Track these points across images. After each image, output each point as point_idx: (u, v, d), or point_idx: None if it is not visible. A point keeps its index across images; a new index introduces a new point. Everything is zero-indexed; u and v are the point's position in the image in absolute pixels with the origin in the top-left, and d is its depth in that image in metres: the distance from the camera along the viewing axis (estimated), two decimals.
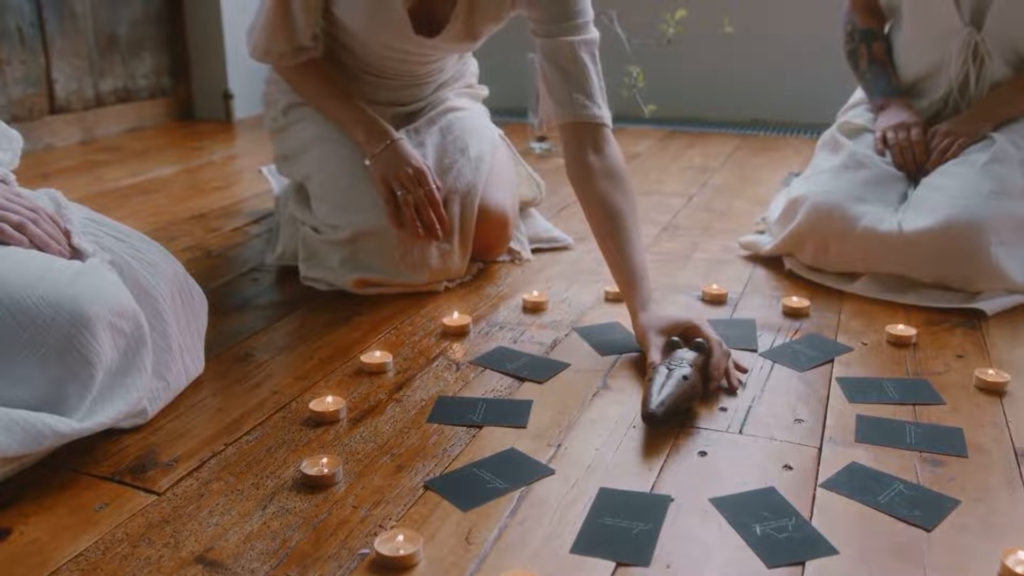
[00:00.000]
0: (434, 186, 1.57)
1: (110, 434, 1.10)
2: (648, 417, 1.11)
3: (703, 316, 1.31)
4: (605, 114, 1.48)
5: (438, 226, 1.56)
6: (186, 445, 1.10)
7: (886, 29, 1.91)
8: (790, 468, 1.05)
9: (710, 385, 1.20)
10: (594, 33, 1.50)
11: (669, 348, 1.23)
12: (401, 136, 1.61)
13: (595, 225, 1.43)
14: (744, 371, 1.28)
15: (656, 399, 1.12)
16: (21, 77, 2.81)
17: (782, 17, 3.34)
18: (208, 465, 1.05)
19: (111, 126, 3.15)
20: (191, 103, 3.50)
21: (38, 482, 1.01)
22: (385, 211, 1.55)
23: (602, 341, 1.41)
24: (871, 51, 1.87)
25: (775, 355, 1.36)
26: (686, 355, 1.20)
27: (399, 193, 1.54)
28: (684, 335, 1.26)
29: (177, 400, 1.20)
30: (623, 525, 0.93)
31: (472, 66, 1.95)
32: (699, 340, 1.22)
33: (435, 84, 1.81)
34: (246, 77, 3.45)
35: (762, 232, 1.91)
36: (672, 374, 1.16)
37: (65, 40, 2.94)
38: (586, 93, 1.46)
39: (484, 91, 1.95)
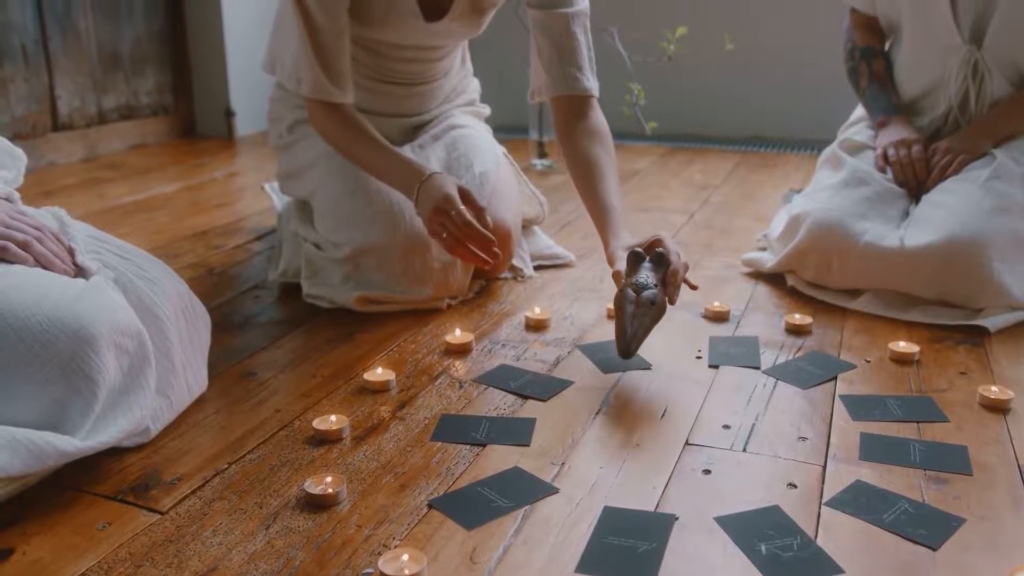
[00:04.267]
0: (461, 207, 1.45)
1: (113, 453, 1.09)
2: (624, 354, 1.24)
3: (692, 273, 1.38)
4: (594, 85, 1.59)
5: (488, 245, 1.47)
6: (189, 464, 1.09)
7: (886, 47, 1.92)
8: (794, 486, 1.05)
9: (668, 290, 1.29)
10: (585, 4, 1.59)
11: (633, 259, 1.32)
12: (430, 172, 1.51)
13: (575, 173, 1.54)
14: (694, 288, 1.37)
15: (629, 333, 1.24)
16: (24, 95, 2.82)
17: (782, 34, 3.35)
18: (211, 484, 1.05)
19: (114, 143, 3.16)
20: (193, 120, 3.51)
21: (41, 501, 1.00)
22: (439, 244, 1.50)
23: (605, 358, 1.41)
24: (871, 69, 1.88)
25: (778, 373, 1.36)
26: (649, 274, 1.29)
27: (444, 235, 1.47)
28: (647, 249, 1.34)
29: (180, 418, 1.20)
30: (628, 544, 0.93)
31: (474, 83, 1.96)
32: (659, 250, 1.31)
33: (439, 93, 1.81)
34: (248, 95, 3.46)
35: (764, 249, 1.91)
36: (640, 300, 1.25)
37: (68, 58, 2.95)
38: (578, 66, 1.57)
39: (486, 110, 1.96)
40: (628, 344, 1.23)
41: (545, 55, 1.57)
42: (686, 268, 1.33)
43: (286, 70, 1.61)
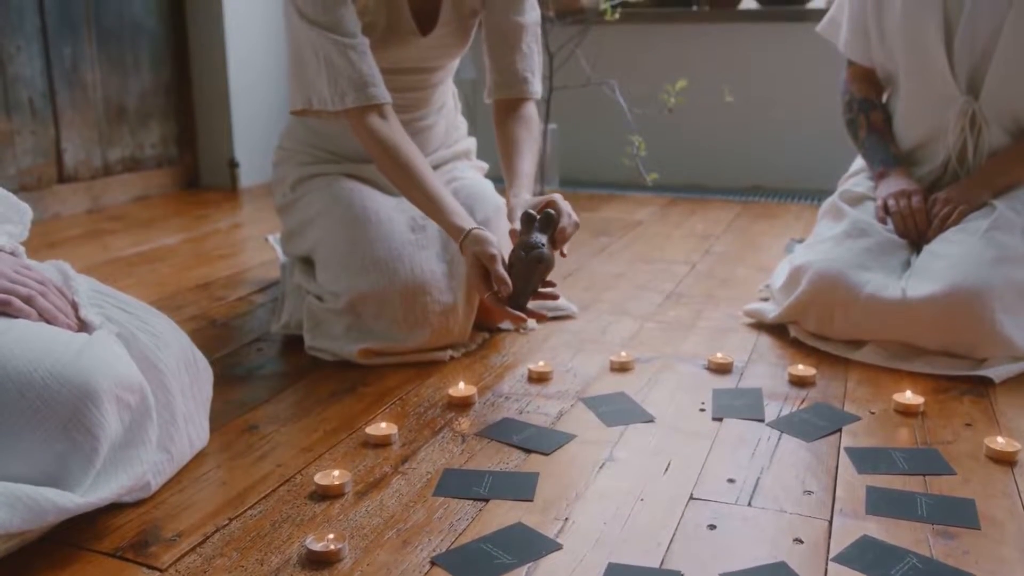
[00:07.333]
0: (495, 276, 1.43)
1: (112, 508, 1.08)
2: (515, 307, 1.40)
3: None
4: (538, 89, 1.75)
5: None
6: (190, 519, 1.08)
7: (884, 98, 1.93)
8: (801, 542, 1.03)
9: (557, 246, 1.44)
10: (538, 15, 1.73)
11: (525, 220, 1.44)
12: (469, 229, 1.47)
13: (500, 148, 1.69)
14: (563, 256, 1.48)
15: (519, 288, 1.39)
16: (31, 147, 2.85)
17: (782, 86, 3.39)
18: (212, 540, 1.04)
19: (118, 195, 3.18)
20: (197, 172, 3.54)
21: (39, 559, 0.99)
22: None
23: (608, 411, 1.40)
24: (869, 120, 1.89)
25: (782, 425, 1.35)
26: (538, 235, 1.42)
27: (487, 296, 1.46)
28: (539, 210, 1.46)
29: (181, 473, 1.19)
30: None
31: (471, 139, 1.98)
32: (549, 211, 1.43)
33: (435, 135, 1.83)
34: (251, 146, 3.49)
35: (766, 299, 1.91)
36: (528, 258, 1.40)
37: (75, 111, 2.98)
38: (531, 71, 1.72)
39: (485, 165, 1.99)
40: (518, 299, 1.40)
41: (503, 60, 1.70)
42: (576, 226, 1.48)
43: (326, 95, 1.54)
